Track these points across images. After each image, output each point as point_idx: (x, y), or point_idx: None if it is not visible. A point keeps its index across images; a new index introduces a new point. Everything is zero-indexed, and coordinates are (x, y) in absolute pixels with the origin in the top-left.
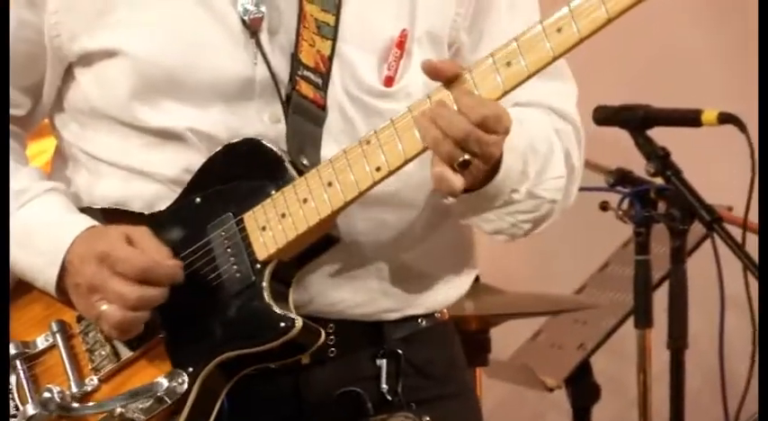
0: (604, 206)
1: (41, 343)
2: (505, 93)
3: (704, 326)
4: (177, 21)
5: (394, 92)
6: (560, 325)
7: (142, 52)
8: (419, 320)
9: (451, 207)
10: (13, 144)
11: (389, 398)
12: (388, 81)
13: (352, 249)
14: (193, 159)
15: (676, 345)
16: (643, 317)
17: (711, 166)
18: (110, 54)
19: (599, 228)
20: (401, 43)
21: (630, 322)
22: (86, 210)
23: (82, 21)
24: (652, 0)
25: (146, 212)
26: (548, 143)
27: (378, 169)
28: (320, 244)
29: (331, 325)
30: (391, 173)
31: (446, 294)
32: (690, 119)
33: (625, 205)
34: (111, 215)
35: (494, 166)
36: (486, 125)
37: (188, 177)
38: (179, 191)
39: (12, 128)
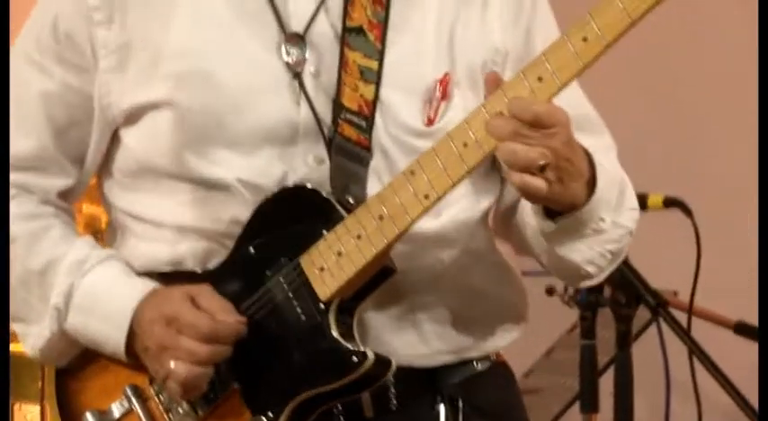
0: (550, 290)
1: (117, 409)
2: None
3: (650, 411)
4: (223, 68)
5: (434, 131)
6: None
7: (191, 101)
8: (474, 363)
9: (547, 235)
10: (65, 218)
11: None
12: (429, 121)
13: (400, 290)
14: (240, 211)
15: None
16: (589, 401)
17: (656, 251)
18: (159, 105)
19: (545, 312)
20: (444, 86)
21: (576, 407)
22: (146, 275)
23: (135, 75)
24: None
25: (200, 270)
26: (620, 175)
27: (426, 196)
28: (378, 276)
29: (390, 379)
30: (440, 198)
31: (495, 341)
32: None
33: (571, 290)
34: (170, 278)
35: (586, 188)
36: (541, 122)
37: (236, 229)
38: (229, 244)
39: (61, 204)
